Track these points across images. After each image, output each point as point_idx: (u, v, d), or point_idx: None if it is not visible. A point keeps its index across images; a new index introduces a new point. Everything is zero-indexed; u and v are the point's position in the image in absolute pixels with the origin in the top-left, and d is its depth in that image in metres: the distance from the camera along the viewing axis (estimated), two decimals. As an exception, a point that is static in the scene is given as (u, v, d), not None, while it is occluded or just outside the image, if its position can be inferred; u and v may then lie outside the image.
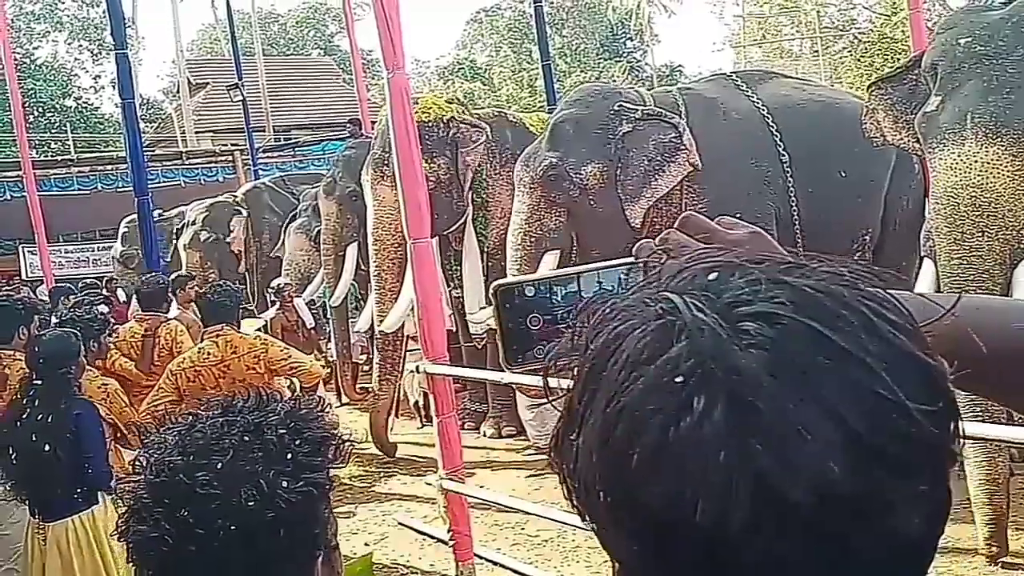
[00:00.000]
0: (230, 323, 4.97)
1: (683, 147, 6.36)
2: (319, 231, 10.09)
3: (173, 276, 8.92)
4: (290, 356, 5.06)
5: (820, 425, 0.48)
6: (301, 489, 1.15)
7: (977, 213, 4.08)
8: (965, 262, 4.12)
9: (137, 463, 1.20)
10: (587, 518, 0.55)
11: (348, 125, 15.93)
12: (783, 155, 6.63)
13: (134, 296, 7.91)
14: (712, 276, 0.55)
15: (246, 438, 1.17)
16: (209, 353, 4.81)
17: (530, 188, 6.69)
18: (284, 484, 1.14)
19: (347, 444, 1.25)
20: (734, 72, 8.60)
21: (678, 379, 0.50)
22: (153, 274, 8.12)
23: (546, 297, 0.79)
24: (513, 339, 0.79)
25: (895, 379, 0.49)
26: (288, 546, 1.16)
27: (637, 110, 6.55)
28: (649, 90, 7.66)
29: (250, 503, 1.12)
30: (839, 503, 0.48)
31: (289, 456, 1.17)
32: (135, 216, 15.38)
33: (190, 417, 1.23)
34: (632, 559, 0.54)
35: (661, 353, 0.51)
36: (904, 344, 0.51)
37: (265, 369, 4.87)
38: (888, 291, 0.55)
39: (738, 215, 0.82)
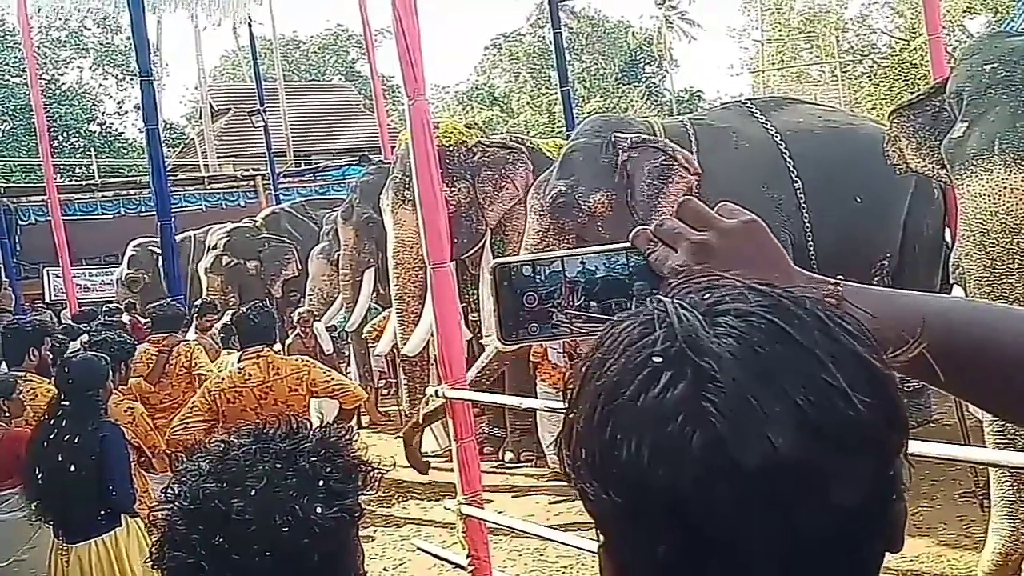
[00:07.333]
0: (268, 345, 4.91)
1: (676, 166, 6.43)
2: (340, 256, 10.17)
3: (197, 303, 9.01)
4: (333, 378, 5.02)
5: (772, 401, 0.54)
6: (335, 515, 1.17)
7: (1007, 239, 3.97)
8: (995, 289, 3.99)
9: (169, 490, 1.22)
10: (576, 485, 0.61)
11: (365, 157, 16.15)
12: (796, 182, 6.65)
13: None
14: (704, 292, 0.62)
15: (279, 465, 1.19)
16: (250, 374, 4.72)
17: (540, 215, 6.80)
18: (318, 510, 1.16)
19: (376, 471, 1.27)
20: (749, 99, 8.63)
21: (656, 359, 0.57)
22: (170, 299, 8.16)
23: (541, 276, 0.83)
24: (509, 316, 0.84)
25: (840, 371, 0.56)
26: (323, 571, 1.17)
27: (627, 139, 6.62)
28: (664, 118, 7.70)
29: (284, 529, 1.14)
30: (784, 470, 0.53)
31: (322, 483, 1.19)
32: (143, 240, 15.64)
33: (223, 444, 1.25)
34: (610, 523, 0.60)
35: (643, 338, 0.59)
36: (853, 346, 0.58)
37: (307, 391, 4.80)
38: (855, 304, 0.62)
39: None
